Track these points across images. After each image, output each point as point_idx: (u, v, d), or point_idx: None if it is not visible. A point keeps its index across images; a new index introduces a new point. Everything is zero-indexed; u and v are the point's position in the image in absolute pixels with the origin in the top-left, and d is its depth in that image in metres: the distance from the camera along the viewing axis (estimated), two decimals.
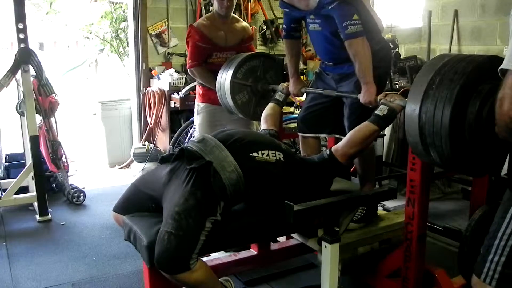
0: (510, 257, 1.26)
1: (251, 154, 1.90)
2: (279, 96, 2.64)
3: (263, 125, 2.45)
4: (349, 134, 2.05)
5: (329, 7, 2.17)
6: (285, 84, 2.68)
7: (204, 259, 1.86)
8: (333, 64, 2.43)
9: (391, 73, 3.96)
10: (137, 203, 2.03)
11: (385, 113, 1.98)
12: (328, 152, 2.02)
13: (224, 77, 2.90)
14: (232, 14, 3.24)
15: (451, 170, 1.93)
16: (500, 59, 1.17)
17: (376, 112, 2.01)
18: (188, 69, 3.24)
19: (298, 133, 2.63)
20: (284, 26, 2.58)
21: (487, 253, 1.31)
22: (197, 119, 3.31)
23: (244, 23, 3.36)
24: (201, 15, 4.76)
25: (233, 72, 2.84)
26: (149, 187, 2.01)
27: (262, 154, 1.91)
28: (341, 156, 1.99)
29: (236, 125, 3.20)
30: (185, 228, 1.71)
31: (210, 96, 3.15)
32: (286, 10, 2.46)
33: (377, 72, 2.25)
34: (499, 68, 1.17)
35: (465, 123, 1.57)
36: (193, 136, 3.64)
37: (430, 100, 1.62)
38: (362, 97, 2.19)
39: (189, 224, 1.72)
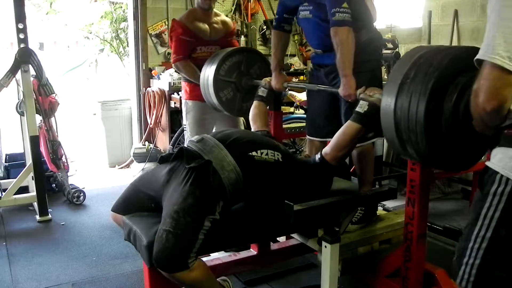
0: (484, 260, 1.22)
1: (250, 154, 1.90)
2: (262, 92, 2.56)
3: (253, 127, 2.41)
4: (335, 138, 1.99)
5: None
6: (267, 79, 2.60)
7: (204, 259, 1.86)
8: (322, 52, 2.41)
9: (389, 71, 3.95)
10: (137, 203, 2.03)
11: (365, 110, 1.92)
12: (319, 156, 1.99)
13: (207, 74, 2.84)
14: (215, 10, 3.24)
15: (429, 166, 1.88)
16: (477, 50, 1.13)
17: (356, 109, 1.96)
18: (173, 64, 3.20)
19: (307, 136, 2.62)
20: (276, 16, 2.55)
21: (462, 255, 1.28)
22: (187, 118, 3.27)
23: (226, 18, 3.34)
24: None
25: (216, 68, 2.78)
26: (148, 187, 2.01)
27: (261, 154, 1.91)
28: (331, 159, 1.97)
29: (225, 121, 3.19)
30: (184, 227, 1.71)
31: (198, 93, 3.07)
32: None
33: (369, 66, 2.23)
34: (475, 58, 1.12)
35: (442, 118, 1.50)
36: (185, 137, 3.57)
37: (405, 94, 1.55)
38: (341, 90, 2.16)
39: (188, 223, 1.72)
